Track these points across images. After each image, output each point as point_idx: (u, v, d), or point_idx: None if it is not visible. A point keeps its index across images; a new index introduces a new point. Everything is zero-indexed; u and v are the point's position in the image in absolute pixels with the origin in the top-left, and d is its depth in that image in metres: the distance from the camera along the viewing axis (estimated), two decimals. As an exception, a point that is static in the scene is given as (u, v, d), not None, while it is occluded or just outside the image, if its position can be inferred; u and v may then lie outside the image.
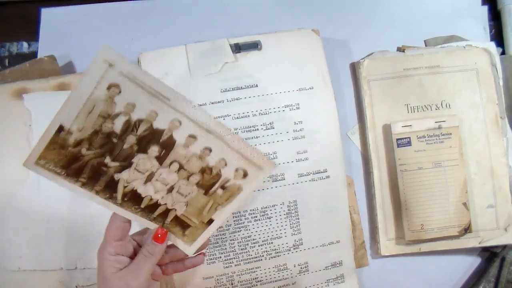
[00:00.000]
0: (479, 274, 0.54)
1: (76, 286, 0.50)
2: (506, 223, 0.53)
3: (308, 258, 0.51)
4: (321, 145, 0.51)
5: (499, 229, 0.53)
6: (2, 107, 0.52)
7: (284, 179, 0.50)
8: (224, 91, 0.51)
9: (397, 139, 0.53)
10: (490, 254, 0.55)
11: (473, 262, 0.55)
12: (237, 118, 0.50)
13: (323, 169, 0.51)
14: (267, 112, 0.51)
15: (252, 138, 0.50)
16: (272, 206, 0.50)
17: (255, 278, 0.50)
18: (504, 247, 0.54)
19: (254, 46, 0.52)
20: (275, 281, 0.50)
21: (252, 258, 0.50)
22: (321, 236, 0.51)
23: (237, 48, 0.52)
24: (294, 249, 0.50)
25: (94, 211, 0.51)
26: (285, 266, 0.50)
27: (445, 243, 0.53)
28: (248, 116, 0.51)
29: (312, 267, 0.51)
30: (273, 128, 0.51)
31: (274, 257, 0.50)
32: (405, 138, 0.53)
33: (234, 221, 0.50)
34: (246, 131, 0.50)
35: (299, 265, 0.51)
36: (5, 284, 0.49)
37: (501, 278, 0.53)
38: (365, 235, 0.54)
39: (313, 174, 0.51)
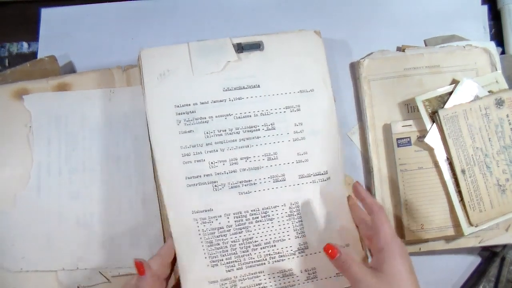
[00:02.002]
0: (479, 274, 0.54)
1: (78, 287, 0.50)
2: (506, 223, 0.53)
3: (316, 264, 0.48)
4: (321, 147, 0.51)
5: (499, 229, 0.53)
6: (2, 108, 0.52)
7: (284, 180, 0.50)
8: (226, 90, 0.51)
9: (397, 139, 0.53)
10: (490, 254, 0.55)
11: (473, 262, 0.55)
12: (239, 117, 0.50)
13: (323, 171, 0.50)
14: (268, 113, 0.51)
15: (253, 138, 0.50)
16: (274, 207, 0.49)
17: (259, 284, 0.48)
18: (504, 246, 0.54)
19: (257, 46, 0.52)
20: (281, 287, 0.48)
21: (254, 261, 0.48)
22: (328, 241, 0.47)
23: (240, 48, 0.51)
24: (299, 253, 0.49)
25: (95, 211, 0.51)
26: (290, 271, 0.48)
27: (445, 243, 0.53)
28: (250, 116, 0.50)
29: (321, 274, 0.48)
30: (274, 129, 0.50)
31: (278, 261, 0.48)
32: (405, 138, 0.53)
33: (235, 221, 0.48)
34: (248, 131, 0.50)
35: (306, 270, 0.48)
36: (7, 284, 0.49)
37: (501, 278, 0.53)
38: (365, 235, 0.54)
39: (314, 175, 0.50)
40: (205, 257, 0.48)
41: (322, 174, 0.50)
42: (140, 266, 0.41)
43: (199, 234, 0.48)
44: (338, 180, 0.51)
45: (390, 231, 0.42)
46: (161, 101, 0.49)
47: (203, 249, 0.48)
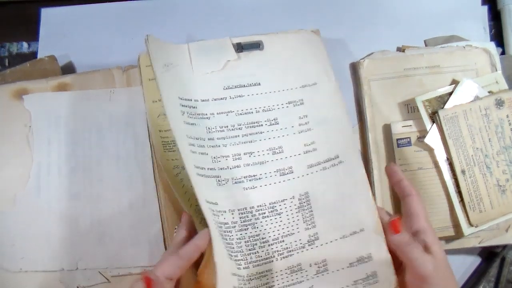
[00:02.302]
0: (479, 274, 0.54)
1: (78, 287, 0.50)
2: (506, 224, 0.53)
3: (326, 255, 0.45)
4: (330, 133, 0.49)
5: (499, 230, 0.53)
6: (2, 108, 0.52)
7: (292, 172, 0.48)
8: (226, 88, 0.50)
9: (397, 139, 0.53)
10: (490, 254, 0.55)
11: (473, 262, 0.55)
12: (241, 114, 0.50)
13: (334, 155, 0.49)
14: (271, 109, 0.50)
15: (257, 133, 0.49)
16: (281, 200, 0.47)
17: (266, 283, 0.45)
18: (504, 247, 0.54)
19: (256, 46, 0.52)
20: (289, 285, 0.45)
21: (262, 259, 0.45)
22: (340, 227, 0.46)
23: (239, 48, 0.52)
24: (308, 245, 0.46)
25: (95, 211, 0.51)
26: (299, 267, 0.45)
27: (445, 243, 0.53)
28: (252, 112, 0.50)
29: (332, 266, 0.45)
30: (278, 123, 0.50)
31: (286, 257, 0.45)
32: (405, 138, 0.53)
33: (240, 218, 0.46)
34: (250, 127, 0.49)
35: (315, 264, 0.45)
36: (6, 285, 0.49)
37: (501, 278, 0.53)
38: (365, 235, 0.54)
39: (324, 162, 0.48)
40: (224, 247, 0.44)
41: (333, 159, 0.49)
42: (148, 282, 0.37)
43: (215, 224, 0.44)
44: (351, 162, 0.49)
45: (427, 214, 0.41)
46: (168, 88, 0.47)
47: (221, 239, 0.45)
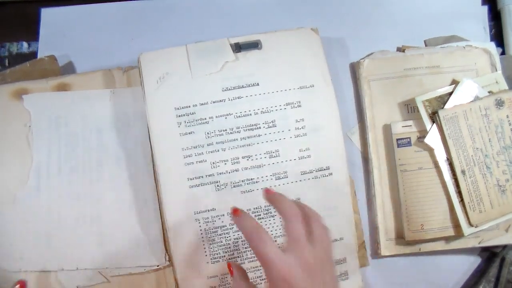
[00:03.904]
0: (479, 274, 0.54)
1: (77, 287, 0.50)
2: (506, 224, 0.53)
3: None
4: (324, 142, 0.51)
5: (499, 230, 0.53)
6: (2, 107, 0.52)
7: (287, 177, 0.50)
8: (225, 90, 0.51)
9: (397, 139, 0.53)
10: (490, 254, 0.55)
11: (473, 262, 0.55)
12: (239, 116, 0.51)
13: (325, 166, 0.51)
14: (269, 111, 0.51)
15: (254, 136, 0.50)
16: None
17: (259, 277, 0.50)
18: (504, 247, 0.54)
19: (255, 45, 0.52)
20: None
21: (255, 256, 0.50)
22: None
23: (238, 48, 0.52)
24: None
25: (95, 211, 0.51)
26: None
27: (445, 243, 0.53)
28: (250, 114, 0.51)
29: None
30: (275, 126, 0.51)
31: None
32: (405, 138, 0.53)
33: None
34: (249, 130, 0.51)
35: None
36: (6, 285, 0.49)
37: (501, 278, 0.53)
38: (365, 235, 0.54)
39: (316, 171, 0.51)
40: (206, 255, 0.49)
41: (324, 169, 0.51)
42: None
43: (201, 233, 0.49)
44: (340, 175, 0.51)
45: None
46: (161, 105, 0.50)
47: (204, 247, 0.49)
